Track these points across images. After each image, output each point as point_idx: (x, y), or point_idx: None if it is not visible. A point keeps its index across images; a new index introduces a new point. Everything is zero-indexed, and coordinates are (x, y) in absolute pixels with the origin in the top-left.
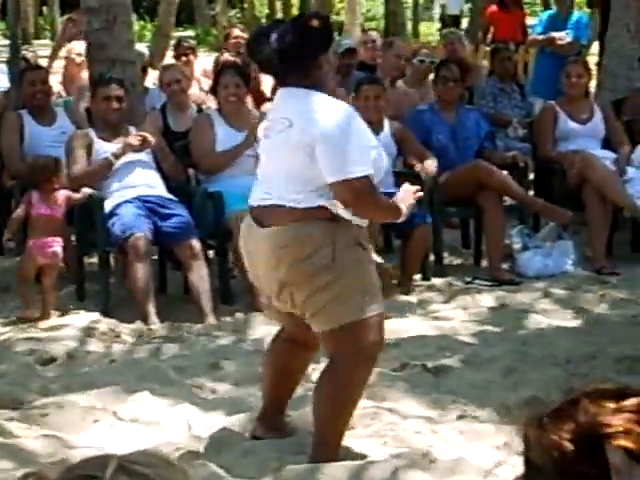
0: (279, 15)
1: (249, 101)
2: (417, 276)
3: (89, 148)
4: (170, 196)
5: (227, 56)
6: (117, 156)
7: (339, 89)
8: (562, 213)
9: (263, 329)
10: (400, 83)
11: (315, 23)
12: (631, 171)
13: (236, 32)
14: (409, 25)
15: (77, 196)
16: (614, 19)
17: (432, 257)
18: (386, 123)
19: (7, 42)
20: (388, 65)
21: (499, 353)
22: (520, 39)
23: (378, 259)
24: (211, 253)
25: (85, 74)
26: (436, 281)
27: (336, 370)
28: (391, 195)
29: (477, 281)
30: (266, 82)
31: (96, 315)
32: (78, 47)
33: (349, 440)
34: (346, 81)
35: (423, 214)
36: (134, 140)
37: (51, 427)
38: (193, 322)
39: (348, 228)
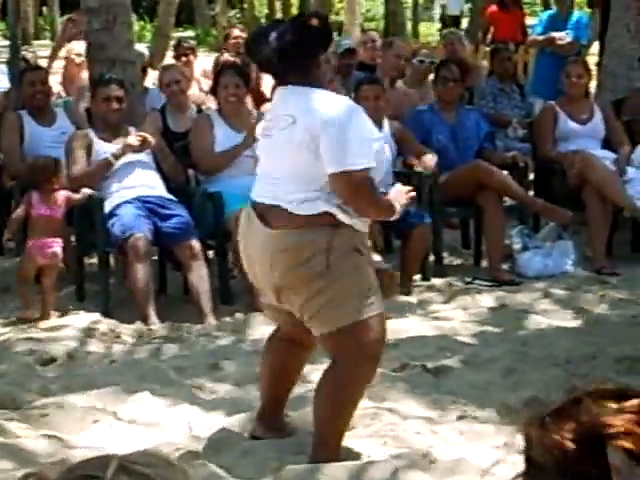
0: (279, 15)
1: (249, 101)
2: (417, 276)
3: (89, 148)
4: (170, 196)
5: (227, 56)
6: (117, 156)
7: (339, 88)
8: (562, 213)
9: (263, 329)
10: (400, 83)
11: (314, 22)
12: (631, 171)
13: (236, 32)
14: (409, 25)
15: (77, 196)
16: (614, 19)
17: (432, 257)
18: (386, 123)
19: (7, 42)
20: (388, 65)
21: (499, 353)
22: (520, 39)
23: (380, 262)
24: (211, 253)
25: (85, 74)
26: (436, 281)
27: (337, 370)
28: None
29: (477, 281)
30: (267, 82)
31: (96, 315)
32: (78, 47)
33: (349, 440)
34: (346, 81)
35: (422, 214)
36: (134, 140)
37: (51, 427)
38: (193, 322)
39: (348, 234)
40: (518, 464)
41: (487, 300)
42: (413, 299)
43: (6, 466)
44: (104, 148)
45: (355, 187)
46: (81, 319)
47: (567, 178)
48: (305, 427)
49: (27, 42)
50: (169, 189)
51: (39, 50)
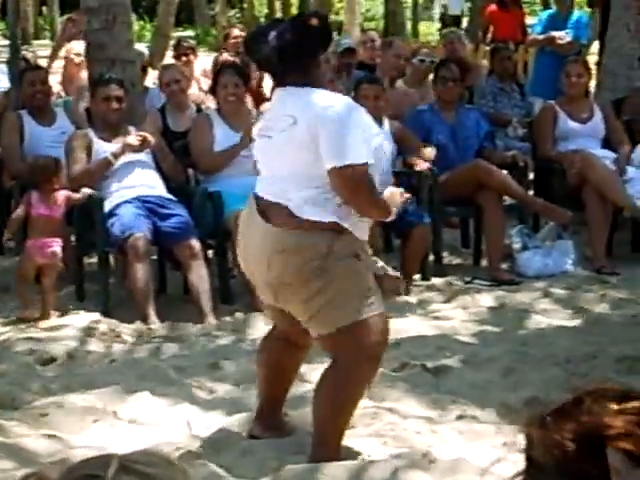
0: (278, 15)
1: (249, 101)
2: (417, 276)
3: (89, 148)
4: (169, 196)
5: (226, 56)
6: (116, 156)
7: (339, 88)
8: (562, 213)
9: (263, 329)
10: (400, 83)
11: (314, 22)
12: (631, 171)
13: (235, 32)
14: (409, 25)
15: (77, 196)
16: (614, 19)
17: (432, 257)
18: (386, 123)
19: (7, 42)
20: (387, 65)
21: (499, 353)
22: (520, 39)
23: (383, 267)
24: (210, 253)
25: (84, 74)
26: (436, 281)
27: (337, 370)
28: None
29: (477, 281)
30: (268, 82)
31: (96, 315)
32: (77, 47)
33: (349, 440)
34: (346, 81)
35: (422, 214)
36: (134, 140)
37: (51, 427)
38: (193, 322)
39: (348, 240)
40: (518, 463)
41: (487, 300)
42: (413, 299)
43: (6, 466)
44: (104, 148)
45: (355, 182)
46: (81, 319)
47: (567, 178)
48: (304, 427)
49: (27, 42)
50: (169, 189)
51: (39, 50)
